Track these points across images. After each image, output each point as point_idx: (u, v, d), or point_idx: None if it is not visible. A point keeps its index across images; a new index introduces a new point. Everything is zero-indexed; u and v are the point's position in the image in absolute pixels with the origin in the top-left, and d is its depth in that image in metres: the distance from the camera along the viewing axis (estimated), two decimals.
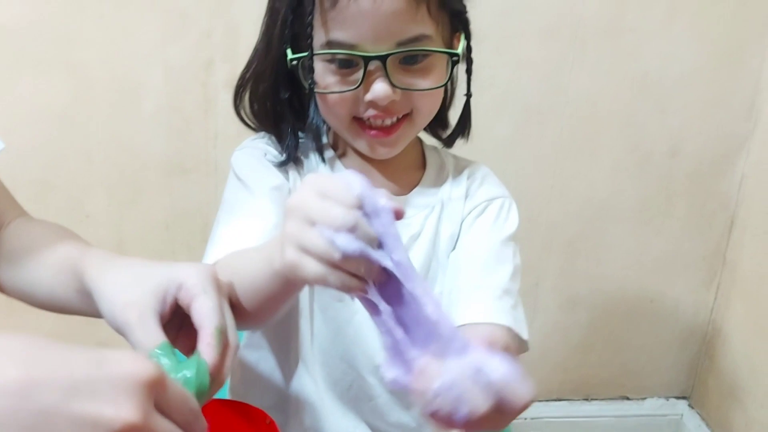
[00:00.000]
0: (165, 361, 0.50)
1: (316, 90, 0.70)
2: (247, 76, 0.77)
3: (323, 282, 0.47)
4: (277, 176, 0.75)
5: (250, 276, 0.58)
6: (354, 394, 0.80)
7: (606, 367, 1.62)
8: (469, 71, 0.75)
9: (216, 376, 0.51)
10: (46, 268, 0.63)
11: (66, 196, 1.35)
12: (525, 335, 0.73)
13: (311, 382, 0.79)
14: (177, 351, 0.52)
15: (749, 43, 1.39)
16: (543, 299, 1.54)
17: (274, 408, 0.81)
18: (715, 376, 1.57)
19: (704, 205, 1.50)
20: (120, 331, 0.53)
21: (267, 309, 0.61)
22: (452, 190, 0.80)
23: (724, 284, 1.55)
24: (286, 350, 0.79)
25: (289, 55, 0.70)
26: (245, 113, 0.78)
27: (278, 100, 0.75)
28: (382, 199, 0.47)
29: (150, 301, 0.52)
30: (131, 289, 0.53)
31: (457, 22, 0.72)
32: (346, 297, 0.75)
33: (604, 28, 1.35)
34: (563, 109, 1.40)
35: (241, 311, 0.58)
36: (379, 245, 0.47)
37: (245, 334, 0.83)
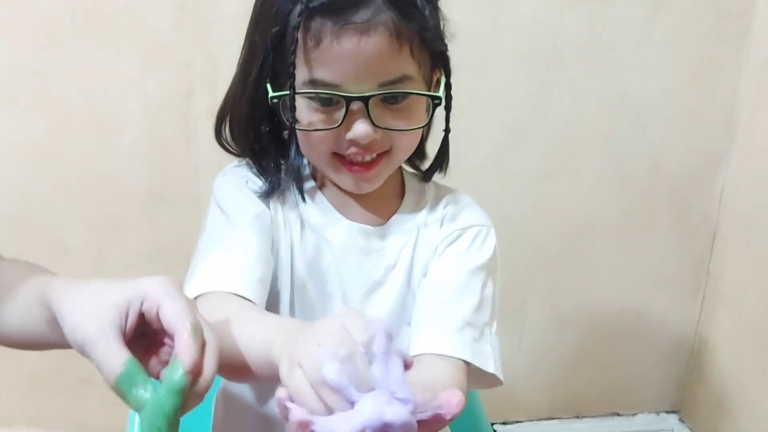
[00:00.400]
0: (134, 392, 0.48)
1: (297, 127, 0.69)
2: (226, 110, 0.76)
3: (295, 394, 0.47)
4: (258, 204, 0.74)
5: (245, 347, 0.58)
6: None
7: (596, 384, 1.62)
8: (447, 107, 0.75)
9: (197, 376, 0.49)
10: (16, 305, 0.61)
11: (45, 230, 1.33)
12: (490, 368, 0.72)
13: None
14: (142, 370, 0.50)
15: (725, 59, 1.41)
16: (530, 319, 1.54)
17: None
18: (704, 389, 1.58)
19: (687, 219, 1.51)
20: (82, 351, 0.50)
21: (240, 375, 0.61)
22: (428, 217, 0.80)
23: (708, 297, 1.56)
24: (270, 383, 0.78)
25: (270, 92, 0.69)
26: (227, 143, 0.78)
27: (258, 134, 0.75)
28: (394, 347, 0.47)
29: (109, 314, 0.50)
30: (88, 306, 0.51)
31: (438, 60, 0.72)
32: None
33: (581, 47, 1.37)
34: (544, 130, 1.41)
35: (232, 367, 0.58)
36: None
37: None
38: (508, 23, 1.33)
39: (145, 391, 0.49)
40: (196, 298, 0.66)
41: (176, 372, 0.48)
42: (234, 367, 0.58)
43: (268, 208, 0.75)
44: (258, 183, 0.76)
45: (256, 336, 0.58)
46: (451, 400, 0.48)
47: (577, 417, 1.64)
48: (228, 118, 0.76)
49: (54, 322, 0.54)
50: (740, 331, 1.46)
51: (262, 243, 0.71)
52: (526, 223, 1.46)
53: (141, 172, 1.32)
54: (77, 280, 0.56)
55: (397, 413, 0.44)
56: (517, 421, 1.62)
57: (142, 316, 0.52)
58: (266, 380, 0.59)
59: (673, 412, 1.67)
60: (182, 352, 0.49)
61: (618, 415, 1.66)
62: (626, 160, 1.45)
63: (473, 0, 1.31)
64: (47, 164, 1.29)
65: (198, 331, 0.50)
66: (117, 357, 0.49)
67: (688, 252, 1.54)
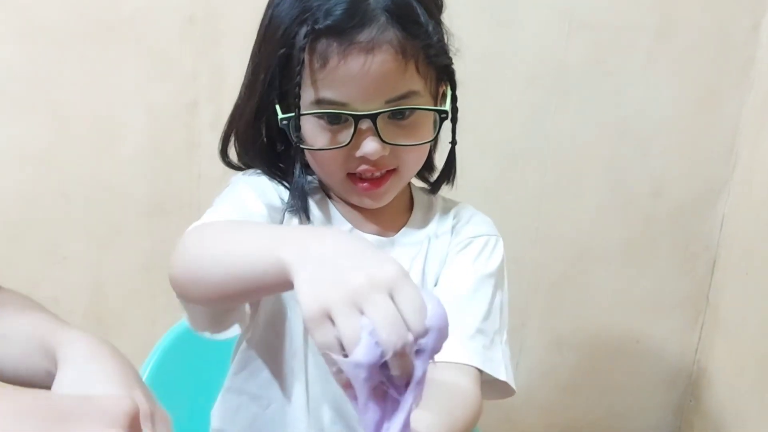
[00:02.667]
0: None
1: (304, 147, 0.70)
2: (231, 130, 0.77)
3: (321, 345, 0.43)
4: (272, 202, 0.74)
5: (244, 258, 0.52)
6: None
7: (593, 409, 1.61)
8: (454, 120, 0.76)
9: None
10: (12, 345, 0.59)
11: (43, 237, 1.32)
12: (502, 376, 0.72)
13: (298, 427, 0.77)
14: None
15: (728, 89, 1.42)
16: (529, 340, 1.53)
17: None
18: (701, 417, 1.56)
19: (687, 246, 1.51)
20: None
21: (225, 291, 0.57)
22: (438, 227, 0.81)
23: (707, 325, 1.55)
24: (268, 395, 0.77)
25: (280, 114, 0.70)
26: (235, 162, 0.79)
27: (265, 154, 0.76)
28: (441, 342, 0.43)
29: None
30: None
31: (444, 74, 0.73)
32: None
33: (585, 73, 1.37)
34: (546, 153, 1.42)
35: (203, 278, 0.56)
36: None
37: (228, 378, 0.81)
38: (515, 45, 1.34)
39: None
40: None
41: None
42: (230, 272, 0.54)
43: (282, 219, 0.75)
44: (276, 187, 0.76)
45: (262, 232, 0.55)
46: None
47: None
48: (233, 138, 0.77)
49: (54, 375, 0.53)
50: (739, 360, 1.45)
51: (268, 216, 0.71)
52: (527, 244, 1.45)
53: (142, 182, 1.32)
54: (89, 358, 0.53)
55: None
56: None
57: None
58: (263, 288, 0.54)
59: None
60: None
61: None
62: (628, 185, 1.46)
63: (480, 21, 1.32)
64: (48, 170, 1.29)
65: None
66: None
67: (688, 279, 1.53)
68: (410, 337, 0.41)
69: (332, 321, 0.43)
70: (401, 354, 0.41)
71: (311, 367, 0.76)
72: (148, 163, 1.31)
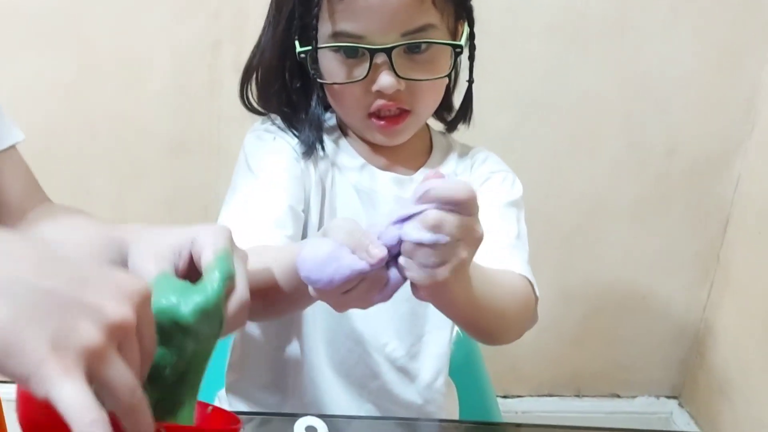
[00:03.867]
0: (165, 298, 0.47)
1: (322, 81, 0.71)
2: (253, 65, 0.78)
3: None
4: (287, 158, 0.76)
5: (275, 264, 0.59)
6: (360, 373, 0.80)
7: (597, 362, 1.63)
8: (471, 58, 0.76)
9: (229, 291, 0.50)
10: (77, 247, 0.62)
11: (67, 170, 1.36)
12: (537, 292, 0.74)
13: (314, 360, 0.79)
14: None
15: (749, 47, 1.41)
16: (538, 292, 1.55)
17: (272, 386, 0.82)
18: (706, 373, 1.58)
19: (700, 204, 1.52)
20: None
21: (277, 303, 0.61)
22: (457, 167, 0.82)
23: (717, 283, 1.56)
24: (288, 327, 0.80)
25: (298, 47, 0.71)
26: (254, 101, 0.79)
27: (287, 89, 0.77)
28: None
29: (166, 252, 0.52)
30: (151, 246, 0.54)
31: (461, 10, 0.73)
32: None
33: (606, 26, 1.37)
34: (563, 105, 1.42)
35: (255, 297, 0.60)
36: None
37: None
38: None
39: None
40: None
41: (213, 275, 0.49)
42: (266, 289, 0.59)
43: (300, 159, 0.76)
44: (288, 138, 0.77)
45: (285, 252, 0.60)
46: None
47: (578, 396, 1.66)
48: (256, 75, 0.78)
49: (118, 262, 0.57)
50: (746, 318, 1.47)
51: (291, 198, 0.73)
52: (540, 197, 1.46)
53: (165, 120, 1.35)
54: (148, 226, 0.58)
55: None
56: (518, 396, 1.64)
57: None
58: (295, 301, 0.60)
59: (674, 397, 1.68)
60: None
61: (618, 396, 1.67)
62: (644, 141, 1.46)
63: None
64: (73, 104, 1.32)
65: (230, 279, 0.50)
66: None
67: (699, 237, 1.54)
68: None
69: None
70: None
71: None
72: (171, 101, 1.34)
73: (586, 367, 1.63)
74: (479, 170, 0.82)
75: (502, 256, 0.72)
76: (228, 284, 0.49)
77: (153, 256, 0.52)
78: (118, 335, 0.37)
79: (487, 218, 0.77)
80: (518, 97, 1.41)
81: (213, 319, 0.48)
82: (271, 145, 0.77)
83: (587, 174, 1.48)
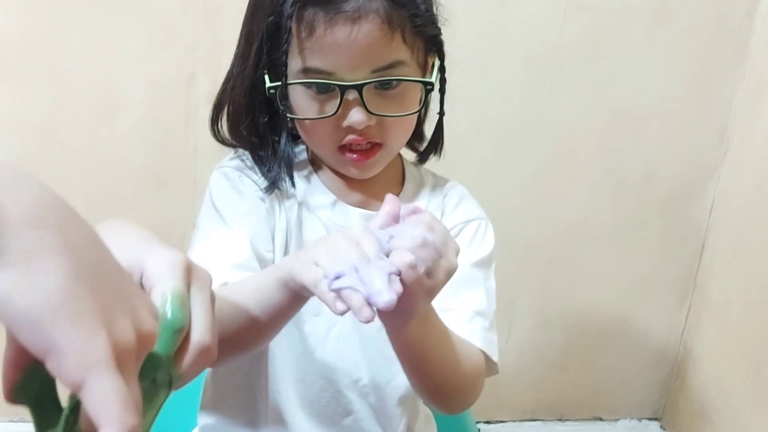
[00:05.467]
0: None
1: (292, 116, 0.71)
2: (224, 99, 0.77)
3: (310, 281, 0.54)
4: (251, 197, 0.75)
5: (260, 286, 0.60)
6: (332, 411, 0.79)
7: (580, 387, 1.64)
8: (442, 90, 0.76)
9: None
10: None
11: None
12: (495, 358, 0.74)
13: (285, 400, 0.78)
14: None
15: (721, 74, 1.43)
16: (519, 319, 1.55)
17: (247, 426, 0.80)
18: (686, 397, 1.60)
19: (677, 228, 1.53)
20: None
21: (269, 322, 0.61)
22: (429, 204, 0.81)
23: (694, 306, 1.58)
24: (258, 368, 0.78)
25: (267, 82, 0.70)
26: (224, 133, 0.79)
27: (256, 124, 0.76)
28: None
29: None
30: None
31: (432, 45, 0.73)
32: (324, 311, 0.76)
33: (581, 54, 1.39)
34: (541, 133, 1.43)
35: (245, 328, 0.60)
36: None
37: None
38: (512, 25, 1.35)
39: None
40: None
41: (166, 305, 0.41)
42: (251, 322, 0.60)
43: (265, 198, 0.75)
44: (254, 176, 0.76)
45: (265, 275, 0.62)
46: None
47: (560, 420, 1.66)
48: (225, 108, 0.77)
49: None
50: (725, 341, 1.48)
51: (257, 241, 0.72)
52: (519, 223, 1.47)
53: (139, 152, 1.33)
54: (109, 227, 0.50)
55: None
56: (501, 421, 1.63)
57: None
58: (284, 314, 0.62)
59: (655, 419, 1.68)
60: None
61: (600, 419, 1.67)
62: (620, 166, 1.47)
63: (478, 0, 1.33)
64: (47, 136, 1.30)
65: (179, 332, 0.42)
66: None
67: (676, 261, 1.56)
68: (370, 254, 0.53)
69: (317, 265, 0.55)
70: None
71: (296, 340, 0.77)
72: (146, 133, 1.32)
73: (568, 392, 1.64)
74: (453, 216, 0.81)
75: (462, 330, 0.72)
76: (177, 338, 0.42)
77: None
78: (142, 347, 0.34)
79: (454, 280, 0.76)
80: (495, 124, 1.41)
81: (158, 377, 0.41)
82: (238, 185, 0.76)
83: (565, 200, 1.49)
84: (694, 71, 1.42)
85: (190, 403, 0.86)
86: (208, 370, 0.84)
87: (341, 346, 0.77)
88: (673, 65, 1.41)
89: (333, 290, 0.52)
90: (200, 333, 0.42)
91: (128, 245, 0.45)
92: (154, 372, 0.41)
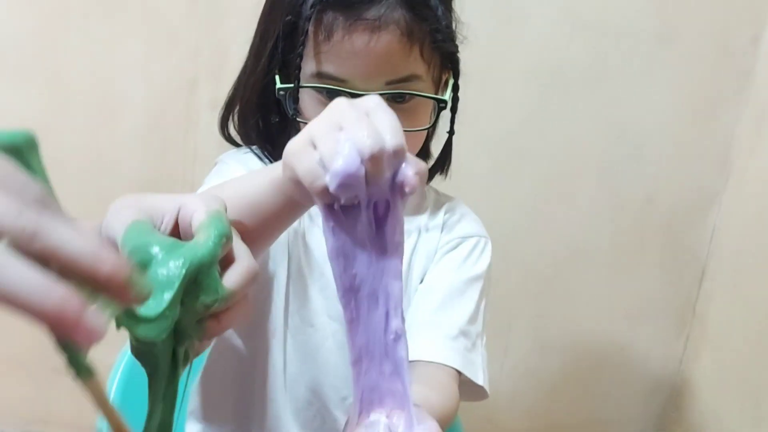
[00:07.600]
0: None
1: (300, 120, 0.70)
2: (236, 98, 0.77)
3: (304, 173, 0.43)
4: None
5: (250, 188, 0.53)
6: (318, 425, 0.77)
7: (574, 414, 1.60)
8: (453, 110, 0.75)
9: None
10: None
11: None
12: (479, 380, 0.71)
13: (274, 409, 0.76)
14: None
15: (725, 99, 1.43)
16: (515, 342, 1.53)
17: None
18: (683, 429, 1.56)
19: (676, 255, 1.51)
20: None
21: (264, 227, 0.55)
22: (429, 221, 0.80)
23: (693, 335, 1.55)
24: (251, 375, 0.77)
25: (278, 83, 0.69)
26: (231, 133, 0.78)
27: (267, 123, 0.75)
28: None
29: (141, 215, 0.45)
30: (123, 209, 0.46)
31: (448, 62, 0.73)
32: (317, 322, 0.74)
33: (585, 75, 1.38)
34: (542, 152, 1.42)
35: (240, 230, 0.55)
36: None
37: (206, 359, 0.80)
38: (517, 43, 1.35)
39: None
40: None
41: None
42: (251, 221, 0.53)
43: None
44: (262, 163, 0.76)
45: (259, 176, 0.55)
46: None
47: None
48: (237, 106, 0.77)
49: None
50: (723, 372, 1.45)
51: None
52: (517, 244, 1.45)
53: (137, 157, 1.32)
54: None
55: None
56: None
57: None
58: (281, 219, 0.54)
59: None
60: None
61: None
62: (621, 189, 1.46)
63: (483, 16, 1.33)
64: (44, 139, 1.28)
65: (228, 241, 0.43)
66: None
67: (675, 289, 1.53)
68: (386, 144, 0.41)
69: (315, 147, 0.43)
70: (377, 158, 0.41)
71: (290, 348, 0.75)
72: (145, 138, 1.31)
73: (562, 419, 1.60)
74: (451, 232, 0.80)
75: (444, 346, 0.70)
76: (225, 244, 0.41)
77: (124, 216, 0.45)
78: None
79: (445, 294, 0.74)
80: (496, 142, 1.41)
81: (204, 285, 0.39)
82: (248, 159, 0.76)
83: (564, 220, 1.47)
84: (697, 95, 1.42)
85: (178, 412, 0.83)
86: (198, 376, 0.82)
87: (332, 360, 0.76)
88: (677, 89, 1.41)
89: (335, 192, 0.41)
90: (248, 258, 0.43)
91: (160, 196, 0.47)
92: (204, 277, 0.39)
